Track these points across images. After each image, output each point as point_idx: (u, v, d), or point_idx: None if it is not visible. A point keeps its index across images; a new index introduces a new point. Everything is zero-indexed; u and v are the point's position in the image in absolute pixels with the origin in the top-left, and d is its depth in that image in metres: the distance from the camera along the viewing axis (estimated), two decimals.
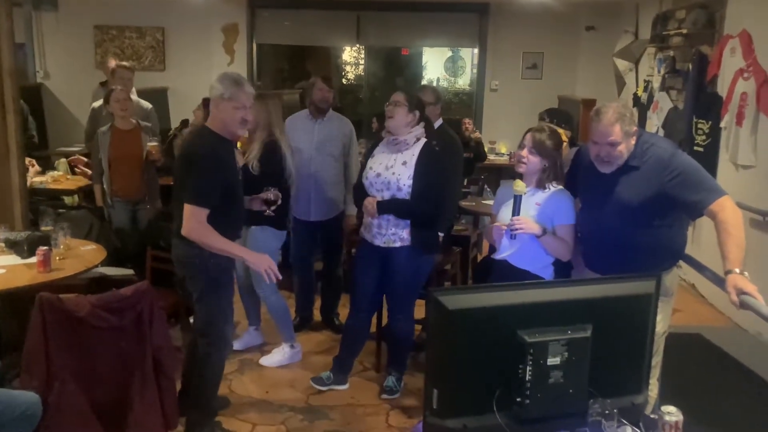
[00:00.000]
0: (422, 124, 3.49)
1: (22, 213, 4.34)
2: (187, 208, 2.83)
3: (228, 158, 2.98)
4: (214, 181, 2.85)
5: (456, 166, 4.16)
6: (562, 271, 3.04)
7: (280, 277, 2.99)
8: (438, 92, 4.27)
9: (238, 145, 3.82)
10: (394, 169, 3.44)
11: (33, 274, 3.29)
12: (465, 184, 5.80)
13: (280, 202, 3.38)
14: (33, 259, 3.37)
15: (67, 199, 5.87)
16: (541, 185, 2.98)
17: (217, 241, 2.86)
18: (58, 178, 5.91)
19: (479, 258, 5.05)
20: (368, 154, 3.61)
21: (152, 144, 4.65)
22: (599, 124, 2.60)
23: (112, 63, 6.52)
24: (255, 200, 3.35)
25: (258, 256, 2.99)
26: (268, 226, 3.82)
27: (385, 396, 3.69)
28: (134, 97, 5.42)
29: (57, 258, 3.46)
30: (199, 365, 3.09)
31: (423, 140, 3.49)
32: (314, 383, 3.72)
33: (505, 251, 3.00)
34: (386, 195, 3.44)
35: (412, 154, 3.44)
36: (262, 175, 3.71)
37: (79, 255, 3.64)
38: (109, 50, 8.06)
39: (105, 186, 4.75)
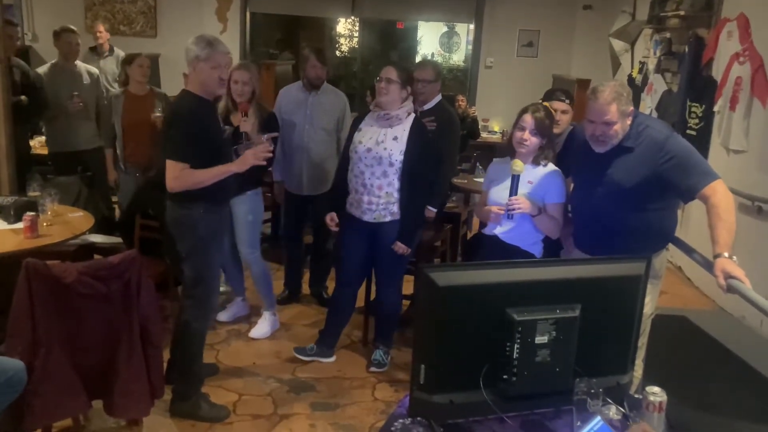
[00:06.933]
0: (411, 98, 3.51)
1: (10, 177, 4.29)
2: (168, 164, 2.90)
3: (208, 118, 3.02)
4: (193, 137, 2.90)
5: (453, 143, 4.14)
6: (551, 247, 3.07)
7: (271, 148, 3.06)
8: (438, 68, 4.20)
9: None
10: (385, 144, 3.42)
11: (19, 240, 3.27)
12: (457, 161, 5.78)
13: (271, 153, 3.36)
14: (20, 225, 3.34)
15: None
16: (536, 162, 3.00)
17: (204, 175, 2.93)
18: (46, 144, 5.83)
19: (469, 235, 5.06)
20: (355, 128, 3.58)
21: (157, 115, 4.55)
22: (595, 103, 2.58)
23: (101, 28, 6.41)
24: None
25: (241, 159, 3.03)
26: (260, 188, 3.94)
27: (373, 369, 3.71)
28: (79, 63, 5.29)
29: (44, 224, 3.44)
30: (183, 330, 3.11)
31: (413, 115, 3.51)
32: (297, 353, 3.74)
33: (498, 228, 3.02)
34: (377, 170, 3.43)
35: (403, 129, 3.44)
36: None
37: (66, 222, 3.61)
38: (99, 14, 7.91)
39: (117, 151, 4.72)
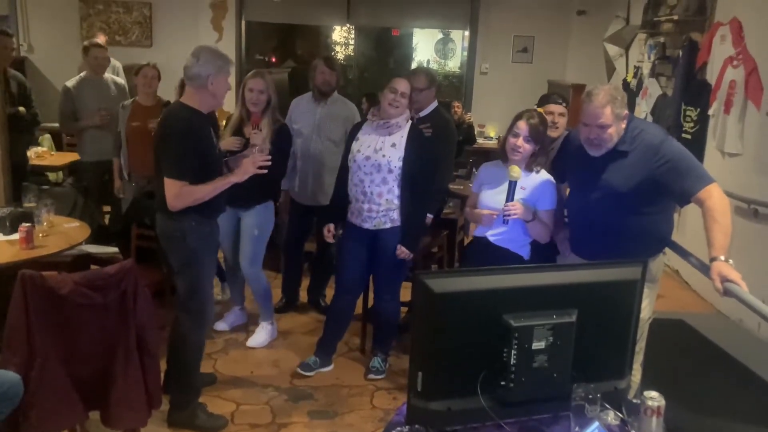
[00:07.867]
0: None
1: (6, 188, 4.28)
2: (167, 182, 2.88)
3: (203, 132, 2.99)
4: (190, 153, 2.88)
5: (449, 149, 4.14)
6: (547, 252, 3.07)
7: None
8: (432, 75, 4.17)
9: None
10: (383, 151, 3.44)
11: (15, 251, 3.26)
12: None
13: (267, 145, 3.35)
14: (15, 236, 3.33)
15: (51, 176, 5.82)
16: (529, 168, 3.01)
17: (204, 190, 2.92)
18: (42, 154, 5.84)
19: (466, 241, 5.06)
20: (352, 138, 3.59)
21: (152, 126, 4.54)
22: (590, 105, 2.60)
23: (102, 39, 6.41)
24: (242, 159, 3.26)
25: (240, 169, 3.03)
26: (272, 201, 3.96)
27: (371, 376, 3.71)
28: (108, 75, 5.34)
29: (40, 235, 3.44)
30: (179, 342, 3.11)
31: (410, 121, 3.54)
32: (302, 370, 3.70)
33: (489, 231, 3.03)
34: (376, 177, 3.44)
35: (401, 136, 3.47)
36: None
37: (62, 232, 3.61)
38: (94, 24, 7.92)
39: (122, 160, 4.72)
